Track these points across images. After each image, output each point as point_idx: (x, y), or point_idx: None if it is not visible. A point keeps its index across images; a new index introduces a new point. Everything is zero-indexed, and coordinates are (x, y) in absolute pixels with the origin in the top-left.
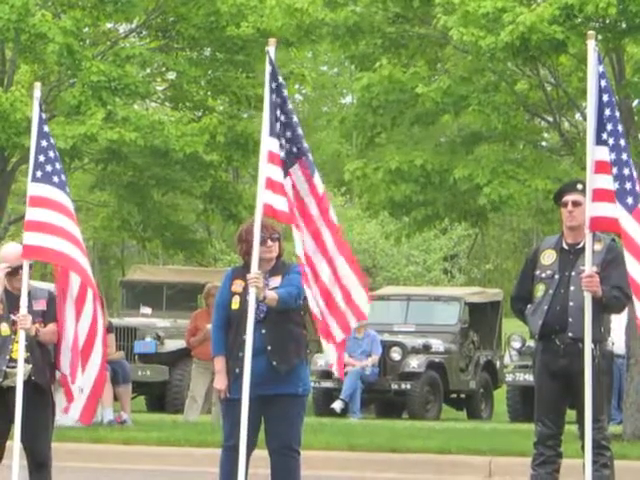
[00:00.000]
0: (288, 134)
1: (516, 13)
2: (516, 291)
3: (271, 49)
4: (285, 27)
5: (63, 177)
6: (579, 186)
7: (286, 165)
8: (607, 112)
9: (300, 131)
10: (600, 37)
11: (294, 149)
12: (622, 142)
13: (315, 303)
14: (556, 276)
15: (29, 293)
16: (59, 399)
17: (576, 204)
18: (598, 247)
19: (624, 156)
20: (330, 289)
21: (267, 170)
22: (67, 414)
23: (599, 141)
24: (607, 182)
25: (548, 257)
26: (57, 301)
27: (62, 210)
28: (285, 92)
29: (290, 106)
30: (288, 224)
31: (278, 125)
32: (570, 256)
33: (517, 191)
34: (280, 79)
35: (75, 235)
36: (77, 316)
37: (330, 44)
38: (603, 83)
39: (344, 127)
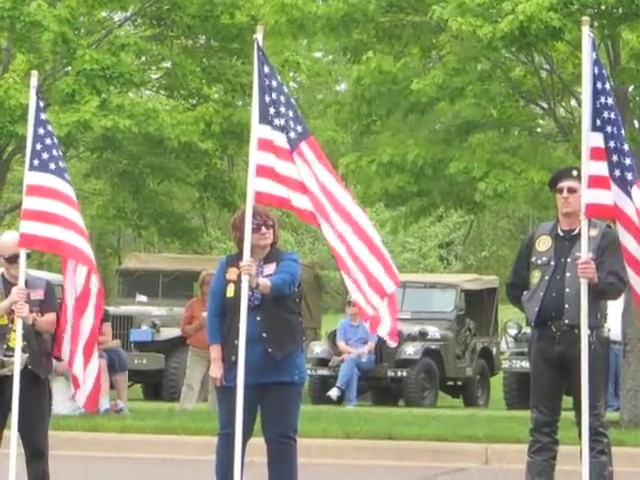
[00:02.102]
0: (290, 114)
1: (514, 2)
2: (511, 278)
3: (259, 36)
4: (277, 24)
5: (61, 164)
6: (574, 172)
7: (292, 146)
8: (602, 99)
9: (299, 113)
10: (596, 24)
11: (299, 128)
12: (620, 131)
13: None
14: (552, 262)
15: (26, 282)
16: (57, 388)
17: (571, 190)
18: (594, 233)
19: (625, 146)
20: (361, 258)
21: (258, 157)
22: (75, 401)
23: (594, 127)
24: (602, 169)
25: (543, 243)
26: (62, 290)
27: (61, 197)
28: (278, 77)
29: (286, 89)
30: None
31: (273, 109)
32: (565, 242)
33: (513, 184)
34: (270, 65)
35: (76, 222)
36: (82, 308)
37: (324, 36)
38: (596, 70)
39: (340, 117)
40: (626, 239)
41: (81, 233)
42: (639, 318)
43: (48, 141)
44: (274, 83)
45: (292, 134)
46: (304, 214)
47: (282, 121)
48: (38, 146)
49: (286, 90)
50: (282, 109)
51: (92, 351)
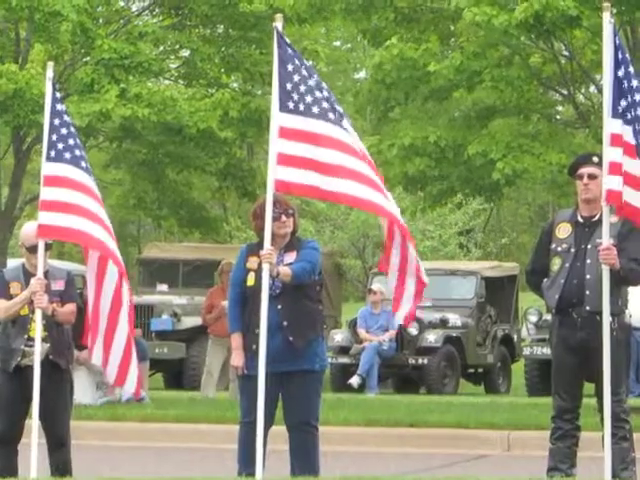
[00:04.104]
0: (325, 94)
1: None
2: (531, 265)
3: (278, 25)
4: (297, 5)
5: (77, 152)
6: (595, 159)
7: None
8: (625, 84)
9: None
10: (614, 10)
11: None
12: None
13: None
14: (572, 249)
15: (47, 273)
16: (78, 377)
17: (591, 177)
18: (614, 219)
19: None
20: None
21: (279, 145)
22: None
23: (615, 114)
24: (620, 155)
25: (563, 230)
26: (83, 279)
27: (77, 187)
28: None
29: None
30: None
31: (311, 97)
32: (586, 229)
33: (532, 165)
34: (294, 49)
35: (92, 210)
36: (98, 292)
37: (342, 20)
38: (620, 55)
39: (358, 101)
40: None
41: (100, 223)
42: None
43: (64, 131)
44: (303, 68)
45: (330, 115)
46: (335, 196)
47: (315, 106)
48: (54, 137)
49: (314, 73)
50: (317, 93)
51: (112, 337)
